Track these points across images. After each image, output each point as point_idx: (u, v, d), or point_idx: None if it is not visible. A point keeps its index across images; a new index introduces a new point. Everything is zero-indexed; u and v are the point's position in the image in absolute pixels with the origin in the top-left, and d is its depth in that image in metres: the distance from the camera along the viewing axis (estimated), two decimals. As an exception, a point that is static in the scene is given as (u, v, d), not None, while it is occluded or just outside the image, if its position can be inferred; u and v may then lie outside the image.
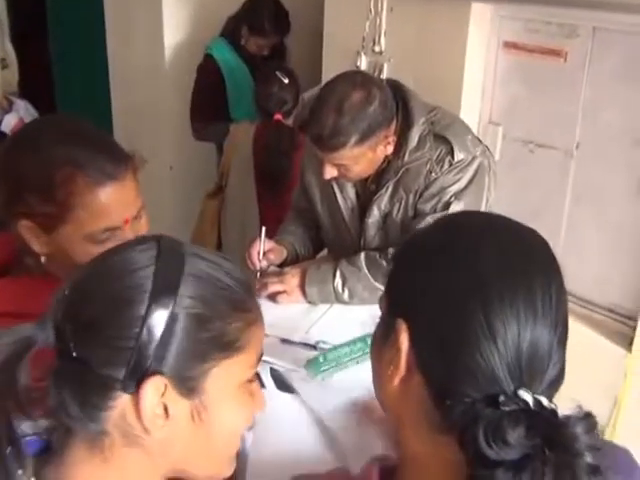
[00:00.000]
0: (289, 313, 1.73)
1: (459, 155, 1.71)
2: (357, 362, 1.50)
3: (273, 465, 1.02)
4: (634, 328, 2.05)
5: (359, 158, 1.65)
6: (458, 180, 1.72)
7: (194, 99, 3.13)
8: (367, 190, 1.83)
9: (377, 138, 1.64)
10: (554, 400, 0.67)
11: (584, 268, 2.18)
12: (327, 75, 2.83)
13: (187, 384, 0.73)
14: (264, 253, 1.82)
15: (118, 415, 0.72)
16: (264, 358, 1.48)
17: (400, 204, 1.76)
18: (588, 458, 0.61)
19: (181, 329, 0.71)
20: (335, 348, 1.48)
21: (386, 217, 1.79)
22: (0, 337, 0.71)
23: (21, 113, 3.48)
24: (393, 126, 1.69)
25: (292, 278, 1.78)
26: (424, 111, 1.74)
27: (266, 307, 1.72)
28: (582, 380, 2.01)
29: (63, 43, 4.36)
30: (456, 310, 0.68)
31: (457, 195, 1.71)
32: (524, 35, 2.19)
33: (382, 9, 2.44)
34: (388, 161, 1.75)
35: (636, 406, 2.06)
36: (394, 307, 0.75)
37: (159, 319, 0.71)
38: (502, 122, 2.30)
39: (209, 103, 3.08)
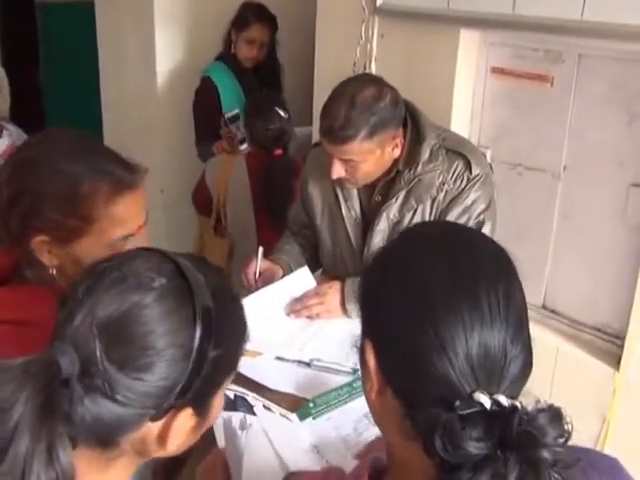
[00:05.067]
0: (284, 330, 1.74)
1: (476, 170, 1.75)
2: (345, 402, 1.51)
3: (267, 466, 1.03)
4: (622, 347, 2.07)
5: (367, 155, 1.67)
6: (480, 197, 1.76)
7: (196, 122, 3.20)
8: (372, 202, 1.85)
9: (386, 135, 1.67)
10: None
11: (572, 289, 2.20)
12: (318, 100, 2.86)
13: (204, 407, 0.77)
14: (260, 273, 1.83)
15: (138, 438, 0.73)
16: (256, 380, 1.49)
17: (412, 214, 1.78)
18: (547, 453, 0.62)
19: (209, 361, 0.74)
20: (323, 394, 1.51)
21: (395, 226, 1.80)
22: (7, 368, 0.66)
23: (13, 138, 3.48)
24: (401, 129, 1.72)
25: (332, 297, 1.78)
26: (433, 128, 1.79)
27: (261, 323, 1.73)
28: (572, 399, 2.03)
29: (54, 69, 4.39)
30: (408, 326, 0.72)
31: (485, 214, 1.76)
32: (511, 61, 2.24)
33: (373, 35, 2.48)
34: (397, 171, 1.77)
35: (625, 424, 2.07)
36: (363, 327, 0.79)
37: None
38: (490, 145, 2.33)
39: (209, 124, 3.13)
